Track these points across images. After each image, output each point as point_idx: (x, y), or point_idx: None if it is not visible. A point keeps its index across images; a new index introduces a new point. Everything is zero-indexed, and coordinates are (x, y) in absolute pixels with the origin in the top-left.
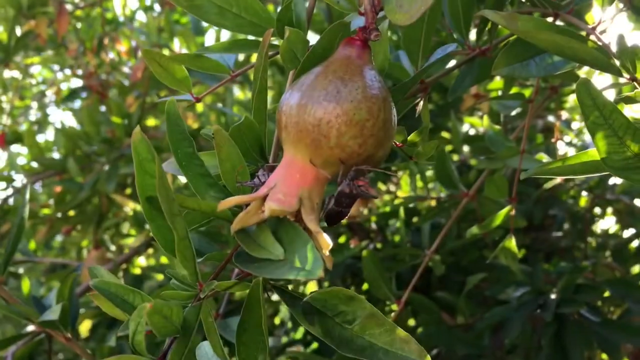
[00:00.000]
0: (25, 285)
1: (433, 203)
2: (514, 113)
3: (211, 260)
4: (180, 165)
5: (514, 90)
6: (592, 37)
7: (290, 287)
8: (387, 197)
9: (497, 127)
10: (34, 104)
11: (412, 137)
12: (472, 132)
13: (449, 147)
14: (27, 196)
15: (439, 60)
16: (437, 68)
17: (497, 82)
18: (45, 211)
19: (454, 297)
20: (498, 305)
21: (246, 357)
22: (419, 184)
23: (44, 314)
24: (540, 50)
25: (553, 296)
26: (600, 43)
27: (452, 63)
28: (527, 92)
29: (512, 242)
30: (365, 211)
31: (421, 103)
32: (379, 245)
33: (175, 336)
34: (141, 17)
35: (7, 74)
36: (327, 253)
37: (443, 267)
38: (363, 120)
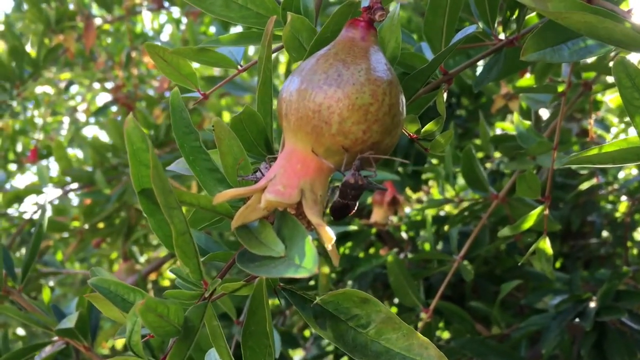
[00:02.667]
0: (46, 294)
1: (464, 205)
2: (546, 117)
3: (215, 260)
4: (188, 160)
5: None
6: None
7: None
8: (418, 206)
9: (528, 122)
10: (66, 119)
11: (427, 127)
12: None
13: (480, 155)
14: (47, 206)
15: (462, 49)
16: (461, 59)
17: (527, 79)
18: (75, 224)
19: (489, 307)
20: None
21: None
22: (450, 192)
23: (61, 322)
24: (573, 34)
25: (593, 304)
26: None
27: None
28: (560, 88)
29: (546, 243)
30: (396, 219)
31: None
32: (410, 256)
33: (176, 337)
34: (170, 30)
35: (40, 89)
36: (330, 247)
37: (472, 273)
38: (366, 104)
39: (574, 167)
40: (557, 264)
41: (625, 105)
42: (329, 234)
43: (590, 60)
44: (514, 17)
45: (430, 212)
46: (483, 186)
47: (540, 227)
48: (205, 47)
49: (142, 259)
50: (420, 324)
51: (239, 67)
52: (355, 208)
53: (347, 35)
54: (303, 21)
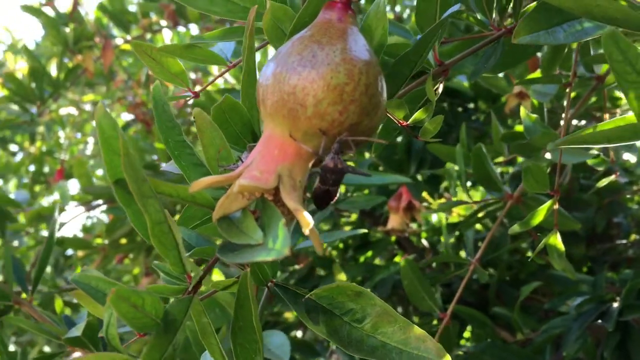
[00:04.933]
0: (58, 305)
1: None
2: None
3: (202, 255)
4: (173, 155)
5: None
6: None
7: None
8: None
9: (534, 115)
10: (91, 139)
11: (417, 115)
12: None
13: (500, 159)
14: (57, 219)
15: (460, 44)
16: (458, 49)
17: (537, 73)
18: (99, 241)
19: (512, 312)
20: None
21: None
22: (462, 195)
23: (69, 331)
24: (569, 16)
25: (616, 304)
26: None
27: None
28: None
29: (556, 239)
30: (415, 226)
31: (440, 86)
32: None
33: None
34: None
35: (64, 111)
36: (307, 232)
37: (487, 275)
38: (342, 84)
39: (590, 162)
40: (584, 269)
41: (618, 80)
42: (307, 219)
43: (600, 50)
44: (511, 6)
45: (452, 218)
46: (496, 186)
47: (559, 227)
48: (192, 44)
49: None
50: (437, 329)
51: (228, 63)
52: (338, 194)
53: (324, 17)
54: (286, 10)
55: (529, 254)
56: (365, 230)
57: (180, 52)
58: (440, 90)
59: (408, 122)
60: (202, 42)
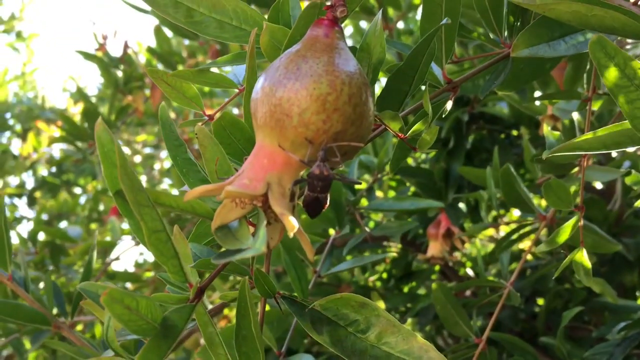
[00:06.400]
0: (98, 330)
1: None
2: None
3: (204, 267)
4: (181, 172)
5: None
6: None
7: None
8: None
9: (557, 132)
10: (143, 177)
11: (415, 127)
12: None
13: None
14: (94, 247)
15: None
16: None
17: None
18: (148, 274)
19: (563, 343)
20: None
21: None
22: (493, 212)
23: (104, 352)
24: (571, 29)
25: None
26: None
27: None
28: (597, 104)
29: (582, 256)
30: (459, 255)
31: (449, 102)
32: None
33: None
34: None
35: None
36: (292, 235)
37: (519, 298)
38: (324, 94)
39: (628, 181)
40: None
41: (607, 85)
42: (292, 223)
43: None
44: (519, 23)
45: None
46: (528, 207)
47: (597, 249)
48: (204, 69)
49: (209, 306)
50: (474, 353)
51: (239, 86)
52: (327, 202)
53: (312, 33)
54: (283, 31)
55: (579, 283)
56: (394, 254)
57: (193, 76)
58: (449, 107)
59: (406, 135)
60: (212, 66)
